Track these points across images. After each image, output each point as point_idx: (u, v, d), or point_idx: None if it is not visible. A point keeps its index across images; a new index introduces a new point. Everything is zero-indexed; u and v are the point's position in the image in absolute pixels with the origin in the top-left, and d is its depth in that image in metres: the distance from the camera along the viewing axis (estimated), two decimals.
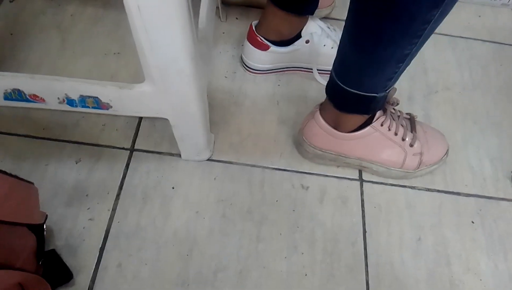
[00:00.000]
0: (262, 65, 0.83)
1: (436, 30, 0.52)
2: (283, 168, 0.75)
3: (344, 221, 0.71)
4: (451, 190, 0.76)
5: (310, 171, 0.75)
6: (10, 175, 0.48)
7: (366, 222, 0.71)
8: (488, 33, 0.99)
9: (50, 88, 0.59)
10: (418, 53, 0.55)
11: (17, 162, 0.71)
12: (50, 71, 0.81)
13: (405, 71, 0.58)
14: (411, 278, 0.67)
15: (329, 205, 0.72)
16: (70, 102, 0.60)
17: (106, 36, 0.87)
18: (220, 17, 0.92)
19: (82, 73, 0.81)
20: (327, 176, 0.75)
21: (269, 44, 0.79)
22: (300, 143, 0.75)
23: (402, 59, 0.54)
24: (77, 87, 0.58)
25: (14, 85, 0.59)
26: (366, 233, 0.70)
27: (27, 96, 0.60)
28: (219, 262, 0.65)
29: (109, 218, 0.67)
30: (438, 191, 0.75)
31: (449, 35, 0.97)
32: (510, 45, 0.97)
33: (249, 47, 0.81)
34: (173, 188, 0.71)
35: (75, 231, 0.66)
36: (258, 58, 0.82)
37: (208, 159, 0.74)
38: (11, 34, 0.85)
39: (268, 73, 0.85)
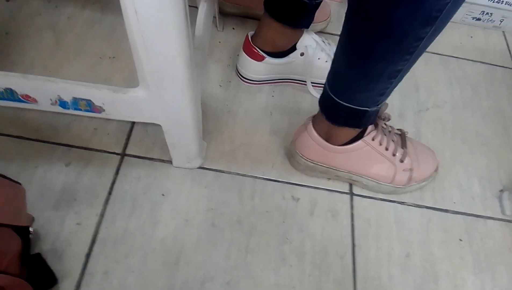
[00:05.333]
0: (256, 76, 0.83)
1: (428, 49, 0.53)
2: (274, 178, 0.75)
3: (333, 234, 0.71)
4: (439, 207, 0.76)
5: (301, 183, 0.75)
6: None
7: (355, 236, 0.71)
8: (479, 54, 1.01)
9: (43, 88, 0.58)
10: (410, 70, 0.56)
11: (5, 162, 0.70)
12: (44, 72, 0.80)
13: (397, 87, 0.59)
14: None
15: (319, 218, 0.72)
16: (63, 104, 0.60)
17: (102, 39, 0.87)
18: (217, 26, 0.92)
19: (76, 75, 0.81)
20: (318, 188, 0.75)
21: (264, 55, 0.79)
22: (292, 154, 0.75)
23: (394, 75, 0.55)
24: (70, 89, 0.58)
25: (7, 84, 0.58)
26: (355, 247, 0.70)
27: (19, 96, 0.60)
28: (206, 272, 0.65)
29: (97, 223, 0.67)
30: (427, 207, 0.76)
31: (441, 54, 0.99)
32: (500, 66, 0.99)
33: (244, 57, 0.81)
34: (163, 195, 0.71)
35: (62, 235, 0.65)
36: (253, 68, 0.82)
37: (200, 167, 0.74)
38: (6, 33, 0.85)
39: (262, 83, 0.85)
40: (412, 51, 0.51)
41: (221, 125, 0.80)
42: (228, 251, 0.67)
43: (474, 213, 0.76)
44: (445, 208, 0.76)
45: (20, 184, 0.51)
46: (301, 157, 0.73)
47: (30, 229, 0.58)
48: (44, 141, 0.73)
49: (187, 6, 0.47)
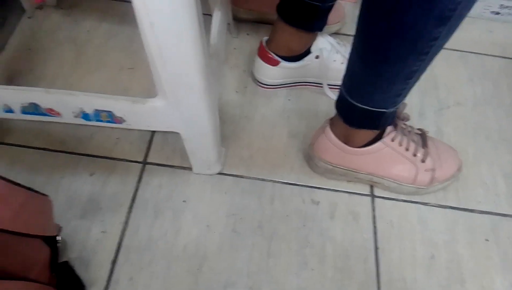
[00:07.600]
0: (272, 80, 0.84)
1: (447, 45, 0.52)
2: (293, 182, 0.75)
3: (355, 237, 0.70)
4: (464, 207, 0.75)
5: (320, 186, 0.75)
6: (25, 187, 0.49)
7: (378, 238, 0.70)
8: (499, 48, 0.98)
9: (65, 102, 0.60)
10: (429, 68, 0.55)
11: (32, 174, 0.73)
12: (65, 85, 0.83)
13: (416, 86, 0.58)
14: None
15: (339, 221, 0.72)
16: (85, 116, 0.62)
17: (120, 51, 0.89)
18: (231, 33, 0.93)
19: (96, 87, 0.83)
20: (337, 191, 0.75)
21: (279, 59, 0.80)
22: (310, 157, 0.75)
23: (410, 76, 0.55)
24: (91, 101, 0.59)
25: (31, 99, 0.60)
26: (378, 250, 0.69)
27: (43, 110, 0.62)
28: (229, 277, 0.65)
29: (122, 231, 0.68)
30: (451, 207, 0.74)
31: (460, 50, 0.97)
32: None
33: (259, 62, 0.82)
34: (184, 201, 0.72)
35: (88, 243, 0.67)
36: (269, 73, 0.82)
37: (219, 173, 0.75)
38: (29, 49, 0.88)
39: (278, 88, 0.86)
40: (427, 51, 0.50)
41: (238, 130, 0.80)
42: (250, 256, 0.67)
43: (500, 212, 0.74)
44: (469, 207, 0.75)
45: (47, 196, 0.53)
46: (320, 160, 0.73)
47: (58, 238, 0.60)
48: (69, 153, 0.75)
49: (201, 15, 0.48)
